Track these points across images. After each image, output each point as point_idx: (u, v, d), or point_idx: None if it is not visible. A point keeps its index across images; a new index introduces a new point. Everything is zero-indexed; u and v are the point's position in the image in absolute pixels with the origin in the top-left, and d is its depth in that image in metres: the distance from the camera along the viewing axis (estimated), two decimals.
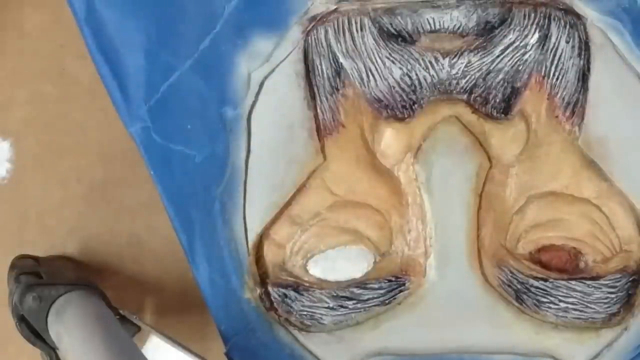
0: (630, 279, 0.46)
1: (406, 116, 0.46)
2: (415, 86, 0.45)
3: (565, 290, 0.46)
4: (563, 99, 0.45)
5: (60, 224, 0.58)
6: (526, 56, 0.45)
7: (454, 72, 0.45)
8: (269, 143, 0.46)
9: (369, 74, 0.45)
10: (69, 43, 0.56)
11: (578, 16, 0.44)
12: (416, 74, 0.45)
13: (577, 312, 0.46)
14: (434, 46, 0.45)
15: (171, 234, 0.48)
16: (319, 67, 0.45)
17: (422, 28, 0.45)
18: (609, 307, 0.46)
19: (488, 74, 0.45)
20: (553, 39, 0.44)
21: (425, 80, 0.45)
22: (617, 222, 0.46)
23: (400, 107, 0.46)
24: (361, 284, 0.47)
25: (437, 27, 0.45)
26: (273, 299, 0.48)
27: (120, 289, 0.57)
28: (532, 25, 0.44)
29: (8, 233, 0.58)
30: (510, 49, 0.45)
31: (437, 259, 0.45)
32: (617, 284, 0.46)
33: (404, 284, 0.47)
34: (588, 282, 0.46)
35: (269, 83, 0.45)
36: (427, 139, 0.45)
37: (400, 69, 0.45)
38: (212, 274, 0.48)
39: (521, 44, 0.44)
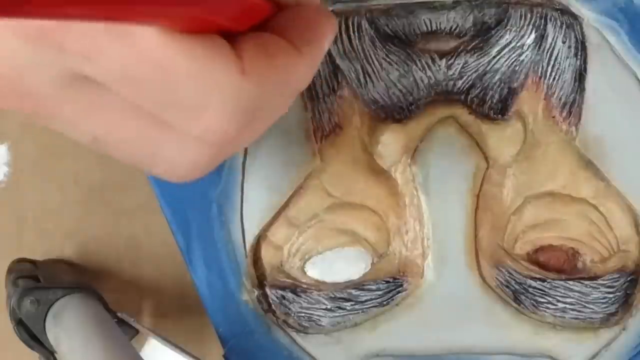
0: (628, 279, 0.46)
1: (403, 117, 0.46)
2: (412, 87, 0.45)
3: (563, 291, 0.46)
4: (560, 99, 0.45)
5: (58, 227, 0.58)
6: (523, 57, 0.45)
7: (450, 72, 0.45)
8: (266, 145, 0.46)
9: (366, 75, 0.45)
10: None
11: (574, 16, 0.44)
12: (413, 75, 0.45)
13: (575, 312, 0.46)
14: (430, 47, 0.45)
15: (169, 237, 0.48)
16: None
17: (419, 29, 0.45)
18: (607, 307, 0.46)
19: (485, 74, 0.45)
20: (549, 39, 0.44)
21: (422, 81, 0.45)
22: (615, 222, 0.46)
23: (397, 108, 0.46)
24: (359, 285, 0.47)
25: (434, 28, 0.45)
26: (271, 301, 0.48)
27: (118, 291, 0.57)
28: (528, 26, 0.44)
29: (6, 236, 0.58)
30: (507, 49, 0.45)
31: (435, 260, 0.45)
32: (615, 284, 0.46)
33: (401, 285, 0.47)
34: (586, 282, 0.46)
35: None
36: (424, 140, 0.45)
37: (397, 70, 0.45)
38: (209, 276, 0.48)
39: (517, 45, 0.44)
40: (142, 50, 0.26)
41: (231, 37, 0.28)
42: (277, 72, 0.29)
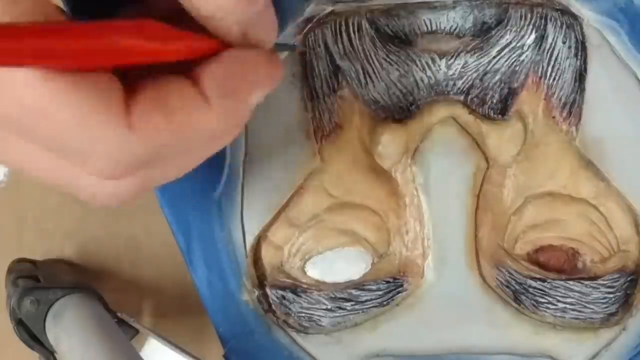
0: (628, 279, 0.46)
1: (403, 117, 0.46)
2: (412, 87, 0.45)
3: (563, 291, 0.46)
4: (560, 99, 0.45)
5: (58, 228, 0.58)
6: (523, 57, 0.45)
7: (450, 73, 0.45)
8: (266, 145, 0.46)
9: (366, 75, 0.45)
10: None
11: (574, 16, 0.44)
12: (413, 75, 0.45)
13: (575, 313, 0.46)
14: (430, 47, 0.45)
15: (169, 237, 0.48)
16: (316, 68, 0.45)
17: (419, 29, 0.45)
18: (607, 307, 0.46)
19: (485, 74, 0.45)
20: (549, 40, 0.44)
21: (422, 81, 0.45)
22: (615, 222, 0.46)
23: (397, 109, 0.46)
24: (359, 285, 0.47)
25: (434, 28, 0.45)
26: (271, 301, 0.48)
27: (118, 292, 0.57)
28: (528, 26, 0.44)
29: (6, 236, 0.58)
30: (507, 49, 0.45)
31: (435, 260, 0.45)
32: (615, 284, 0.46)
33: (402, 285, 0.47)
34: (586, 283, 0.46)
35: None
36: (425, 140, 0.45)
37: (397, 70, 0.45)
38: (210, 276, 0.48)
39: (518, 45, 0.44)
40: (24, 99, 0.26)
41: (129, 83, 0.28)
42: (174, 128, 0.28)
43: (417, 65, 0.45)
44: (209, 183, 0.46)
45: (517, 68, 0.45)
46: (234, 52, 0.30)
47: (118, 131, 0.27)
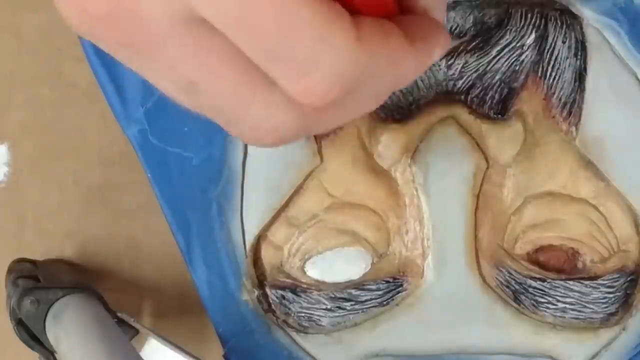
0: (628, 279, 0.46)
1: (403, 117, 0.46)
2: (412, 87, 0.45)
3: (563, 291, 0.46)
4: (560, 99, 0.45)
5: (58, 228, 0.58)
6: (523, 57, 0.45)
7: (450, 72, 0.45)
8: None
9: None
10: (67, 46, 0.56)
11: (574, 16, 0.44)
12: None
13: (575, 313, 0.46)
14: None
15: (169, 237, 0.48)
16: None
17: None
18: (607, 307, 0.46)
19: (485, 74, 0.45)
20: (549, 40, 0.44)
21: (422, 81, 0.45)
22: (615, 222, 0.46)
23: (397, 108, 0.46)
24: (359, 285, 0.47)
25: None
26: (271, 301, 0.48)
27: (118, 292, 0.57)
28: (528, 26, 0.44)
29: (5, 236, 0.58)
30: (507, 49, 0.45)
31: (435, 260, 0.45)
32: (615, 284, 0.46)
33: (401, 285, 0.47)
34: (586, 282, 0.46)
35: None
36: (424, 140, 0.45)
37: None
38: (210, 276, 0.48)
39: (518, 45, 0.44)
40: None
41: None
42: (389, 52, 0.28)
43: None
44: (209, 183, 0.46)
45: (517, 68, 0.45)
46: (425, 17, 0.31)
47: (349, 41, 0.26)
